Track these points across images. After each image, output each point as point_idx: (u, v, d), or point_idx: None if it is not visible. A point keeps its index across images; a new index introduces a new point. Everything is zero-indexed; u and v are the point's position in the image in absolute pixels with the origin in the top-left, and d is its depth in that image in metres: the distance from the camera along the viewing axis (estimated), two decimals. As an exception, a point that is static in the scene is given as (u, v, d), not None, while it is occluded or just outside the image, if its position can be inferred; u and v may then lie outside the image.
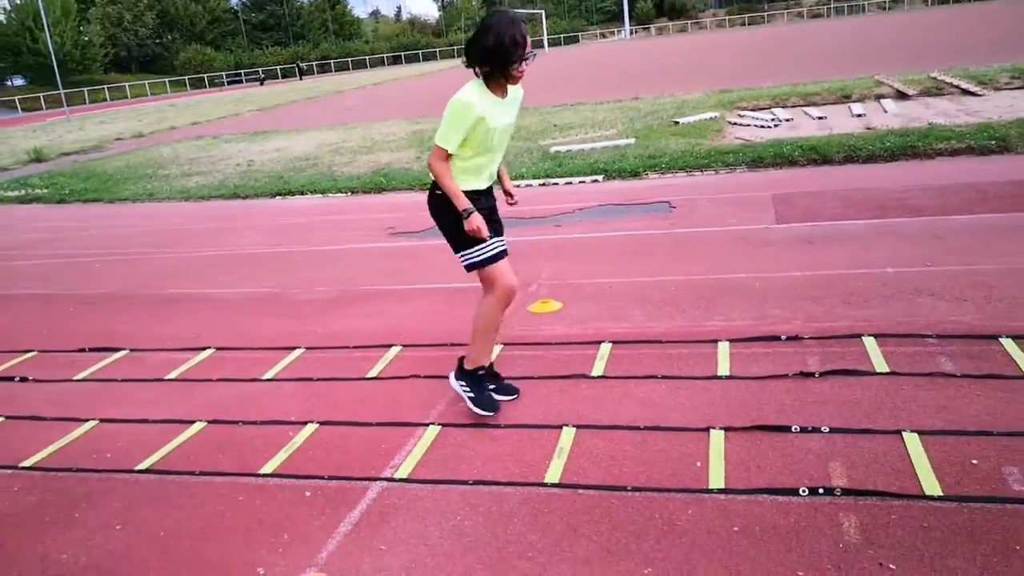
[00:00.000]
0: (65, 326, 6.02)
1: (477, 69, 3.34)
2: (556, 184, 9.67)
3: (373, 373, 4.43)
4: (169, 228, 9.81)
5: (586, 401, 3.81)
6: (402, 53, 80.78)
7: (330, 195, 10.79)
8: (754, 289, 5.11)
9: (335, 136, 16.48)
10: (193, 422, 4.02)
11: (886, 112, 12.23)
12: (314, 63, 76.03)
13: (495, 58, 3.25)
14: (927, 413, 3.35)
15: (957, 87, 13.36)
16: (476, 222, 3.35)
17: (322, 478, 3.35)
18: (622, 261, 6.13)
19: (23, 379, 4.92)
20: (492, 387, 3.80)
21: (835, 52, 24.06)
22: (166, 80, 68.77)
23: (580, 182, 9.62)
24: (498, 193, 3.73)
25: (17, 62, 63.17)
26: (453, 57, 76.18)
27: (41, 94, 57.11)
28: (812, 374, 3.81)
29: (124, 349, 5.26)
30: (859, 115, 12.34)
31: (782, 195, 7.72)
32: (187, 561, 2.89)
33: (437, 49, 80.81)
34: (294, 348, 4.93)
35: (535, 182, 9.82)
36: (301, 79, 65.79)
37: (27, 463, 3.78)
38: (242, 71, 72.70)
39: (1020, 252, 5.27)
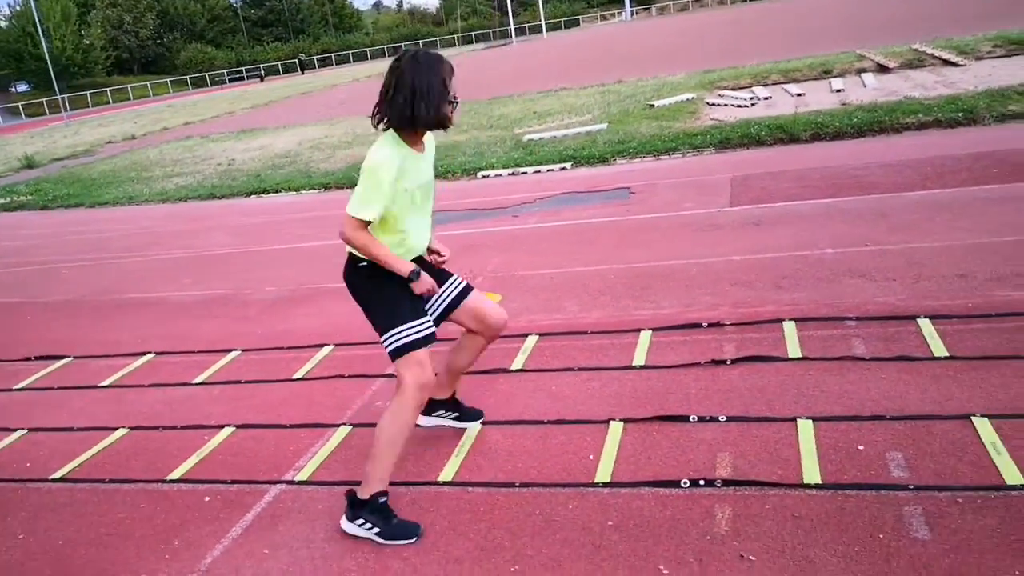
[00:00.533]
0: (19, 334, 6.08)
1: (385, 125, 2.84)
2: (525, 173, 9.64)
3: (300, 374, 4.45)
4: (143, 231, 9.87)
5: (499, 396, 3.81)
6: (402, 44, 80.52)
7: (304, 192, 10.81)
8: (690, 275, 5.09)
9: (319, 131, 16.49)
10: (116, 429, 4.06)
11: (865, 86, 12.09)
12: (315, 57, 76.02)
13: (416, 111, 2.73)
14: (827, 399, 3.33)
15: (938, 58, 13.18)
16: (427, 282, 2.91)
17: (224, 482, 3.38)
18: (571, 250, 6.11)
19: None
20: (455, 415, 3.45)
21: (824, 26, 23.76)
22: (168, 80, 68.97)
23: (548, 170, 9.59)
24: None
25: (20, 68, 63.53)
26: (453, 45, 76.03)
27: (44, 99, 57.44)
28: (724, 361, 3.79)
29: (68, 357, 5.31)
30: (838, 90, 12.21)
31: (742, 177, 7.66)
32: (78, 570, 2.92)
33: (437, 38, 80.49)
34: (231, 350, 4.96)
35: (504, 171, 9.80)
36: (303, 73, 65.81)
37: (-51, 475, 3.83)
38: (243, 68, 72.77)
39: (959, 229, 5.21)
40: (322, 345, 4.81)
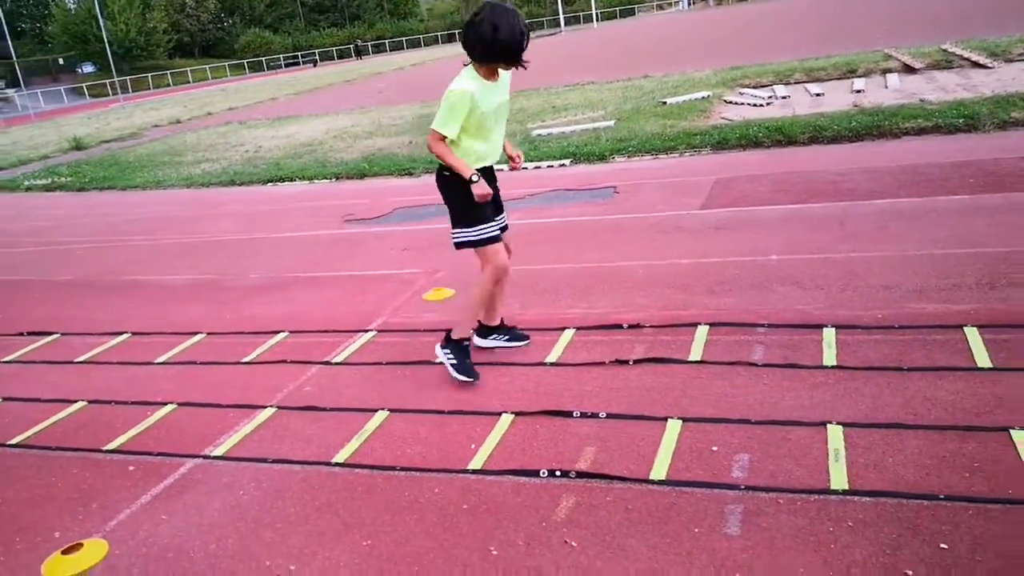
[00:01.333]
0: (21, 310, 6.56)
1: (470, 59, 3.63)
2: (525, 168, 9.83)
3: (249, 358, 4.77)
4: (159, 216, 10.38)
5: (416, 386, 4.07)
6: (456, 32, 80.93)
7: (316, 181, 11.19)
8: (635, 277, 5.26)
9: (348, 121, 16.91)
10: (76, 402, 4.44)
11: (886, 87, 11.95)
12: (369, 43, 76.98)
13: (501, 51, 3.50)
14: (706, 401, 3.50)
15: (967, 60, 12.92)
16: (484, 187, 3.68)
17: (151, 454, 3.72)
18: (536, 249, 6.31)
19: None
20: (506, 336, 4.29)
21: (866, 21, 23.29)
22: (226, 64, 70.65)
23: (548, 166, 9.77)
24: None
25: (86, 49, 65.81)
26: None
27: (107, 81, 59.47)
28: (627, 362, 3.99)
29: (56, 333, 5.74)
30: (858, 91, 12.09)
31: (727, 179, 7.75)
32: (2, 527, 3.28)
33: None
34: (196, 333, 5.32)
35: (505, 167, 9.99)
36: (359, 59, 66.84)
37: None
38: (299, 53, 74.07)
39: (907, 239, 5.28)
40: (278, 332, 5.13)
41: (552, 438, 3.37)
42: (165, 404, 4.24)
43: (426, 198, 8.38)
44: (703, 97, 12.50)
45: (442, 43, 77.61)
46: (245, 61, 72.00)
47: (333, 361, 4.54)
